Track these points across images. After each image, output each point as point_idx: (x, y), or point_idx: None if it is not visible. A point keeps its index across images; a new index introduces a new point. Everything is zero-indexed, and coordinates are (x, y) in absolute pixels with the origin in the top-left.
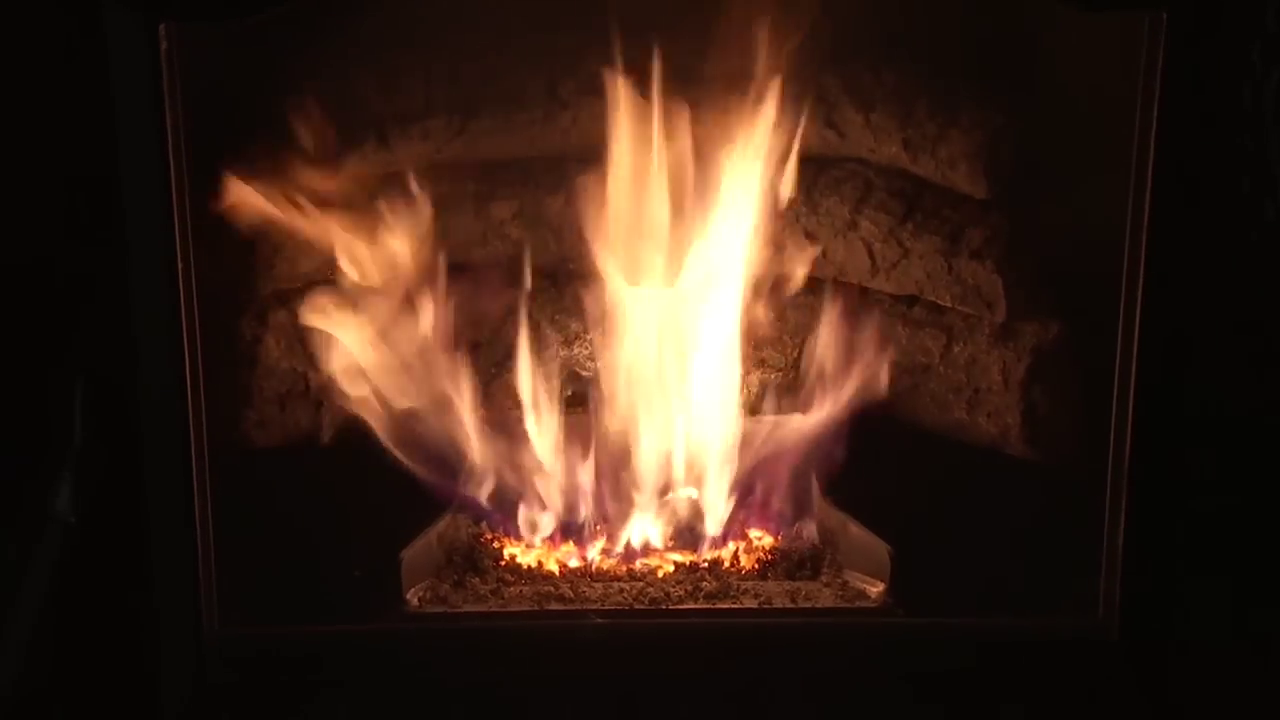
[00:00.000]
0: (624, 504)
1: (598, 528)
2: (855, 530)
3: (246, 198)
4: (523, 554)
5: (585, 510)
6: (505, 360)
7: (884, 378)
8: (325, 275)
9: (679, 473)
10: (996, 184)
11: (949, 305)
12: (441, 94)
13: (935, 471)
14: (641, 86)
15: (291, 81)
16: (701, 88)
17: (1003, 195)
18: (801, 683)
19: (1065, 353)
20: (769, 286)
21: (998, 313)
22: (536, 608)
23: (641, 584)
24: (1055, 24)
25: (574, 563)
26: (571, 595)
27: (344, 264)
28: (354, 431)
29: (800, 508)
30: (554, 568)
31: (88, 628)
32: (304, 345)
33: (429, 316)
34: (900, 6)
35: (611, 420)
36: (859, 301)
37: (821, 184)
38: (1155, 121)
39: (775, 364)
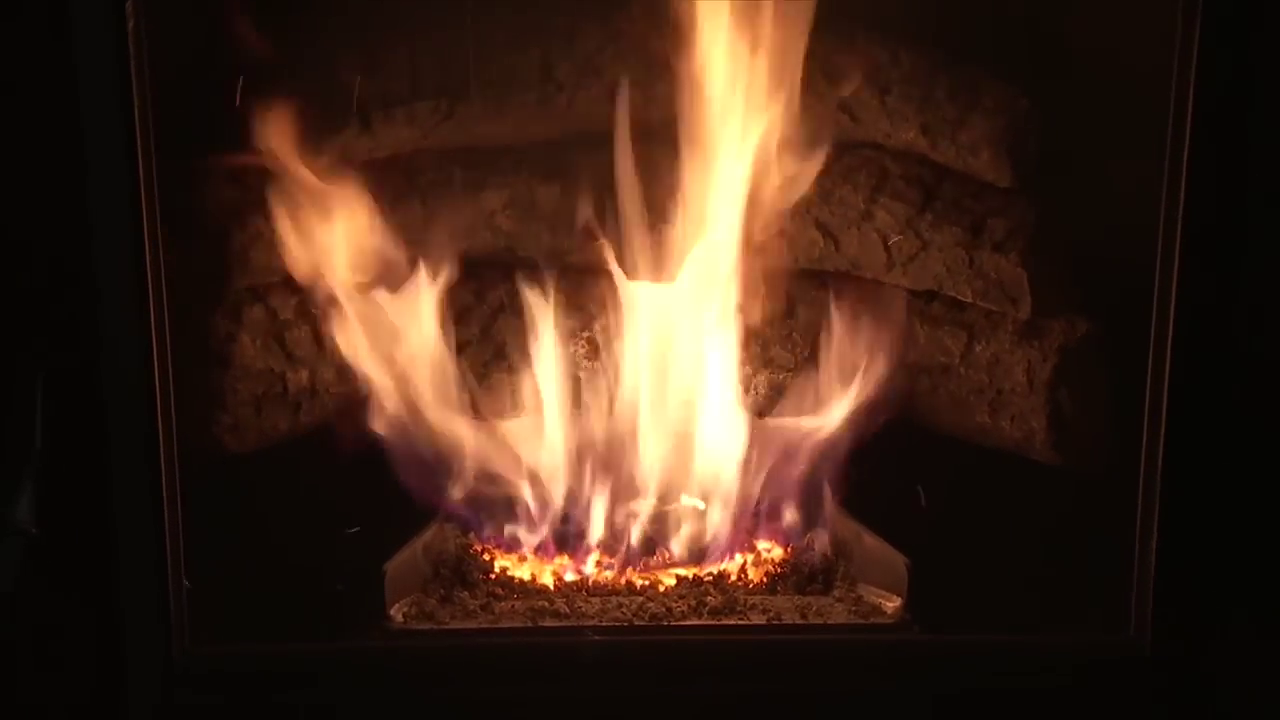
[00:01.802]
0: (623, 513)
1: (595, 538)
2: (870, 541)
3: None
4: (515, 566)
5: (582, 520)
6: (495, 360)
7: (900, 378)
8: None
9: (682, 480)
10: (1021, 171)
11: (970, 301)
12: (428, 75)
13: (955, 478)
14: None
15: (267, 62)
16: (705, 69)
17: (1028, 183)
18: (813, 705)
19: (1094, 352)
20: (777, 281)
21: (1022, 309)
22: (529, 624)
23: (642, 599)
24: None
25: (569, 576)
26: (567, 610)
27: (324, 256)
28: (335, 436)
29: (811, 517)
30: (548, 581)
31: (48, 645)
32: (281, 344)
33: (413, 312)
34: None
35: (610, 423)
36: (874, 297)
37: (834, 172)
38: (1191, 104)
39: (784, 363)
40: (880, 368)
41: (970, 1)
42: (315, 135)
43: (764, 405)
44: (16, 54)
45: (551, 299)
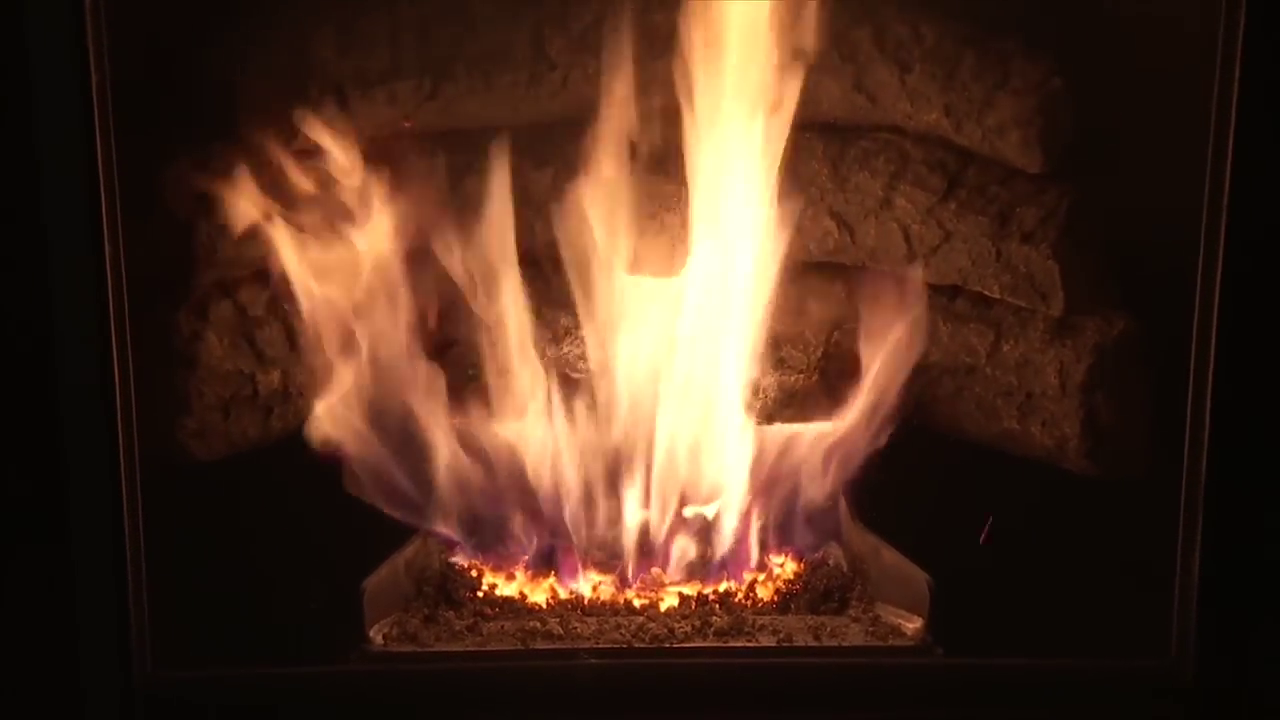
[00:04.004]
0: (622, 526)
1: (591, 553)
2: (889, 556)
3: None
4: (504, 583)
5: (576, 533)
6: (484, 360)
7: (921, 380)
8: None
9: (686, 490)
10: (1053, 156)
11: (997, 297)
12: (410, 51)
13: (981, 489)
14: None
15: (237, 37)
16: (711, 46)
17: (1060, 169)
18: None
19: (1133, 351)
20: (788, 275)
21: (1054, 305)
22: (520, 646)
23: (642, 619)
24: None
25: (563, 594)
26: (561, 631)
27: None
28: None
29: (826, 530)
30: (540, 599)
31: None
32: (251, 343)
33: (393, 311)
34: None
35: (607, 429)
36: (893, 292)
37: (850, 157)
38: (1238, 81)
39: (796, 365)
40: (899, 369)
41: None
42: (288, 116)
43: (774, 410)
44: None
45: (542, 294)
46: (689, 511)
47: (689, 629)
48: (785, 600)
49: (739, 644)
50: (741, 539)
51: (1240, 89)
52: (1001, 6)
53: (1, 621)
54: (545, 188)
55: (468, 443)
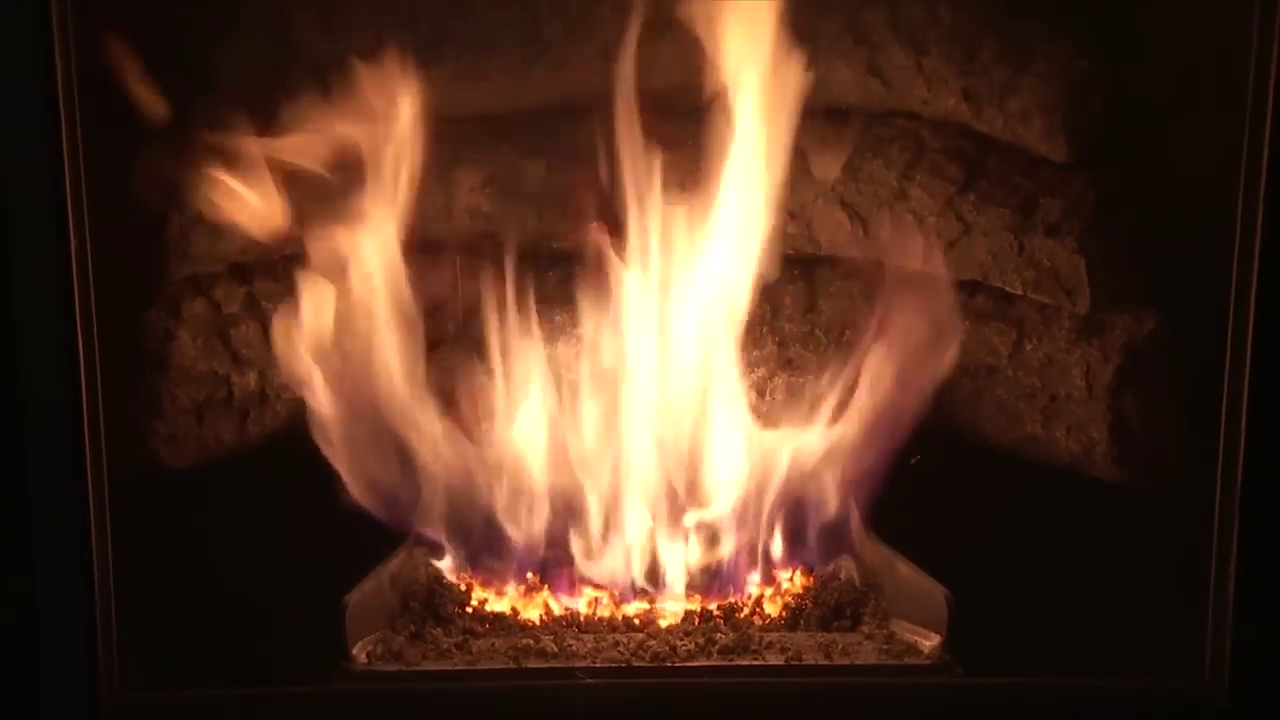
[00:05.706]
0: (620, 536)
1: (587, 565)
2: (904, 570)
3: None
4: (495, 599)
5: (572, 544)
6: (473, 361)
7: (940, 381)
8: (254, 256)
9: (689, 498)
10: (1079, 144)
11: (1020, 293)
12: (396, 33)
13: (1003, 498)
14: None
15: (215, 18)
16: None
17: (1087, 158)
18: None
19: (1163, 351)
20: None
21: (1079, 302)
22: (512, 665)
23: (641, 635)
24: None
25: (558, 609)
26: (555, 649)
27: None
28: (288, 448)
29: (837, 542)
30: (533, 615)
31: None
32: (226, 342)
33: (381, 309)
34: None
35: (605, 433)
36: (909, 288)
37: (863, 145)
38: (1275, 65)
39: (805, 365)
40: (915, 369)
41: None
42: (267, 101)
43: (782, 414)
44: None
45: (535, 291)
46: (692, 521)
47: (692, 646)
48: (794, 616)
49: (745, 663)
50: (747, 551)
51: (1278, 73)
52: None
53: None
54: (538, 179)
55: (456, 447)
